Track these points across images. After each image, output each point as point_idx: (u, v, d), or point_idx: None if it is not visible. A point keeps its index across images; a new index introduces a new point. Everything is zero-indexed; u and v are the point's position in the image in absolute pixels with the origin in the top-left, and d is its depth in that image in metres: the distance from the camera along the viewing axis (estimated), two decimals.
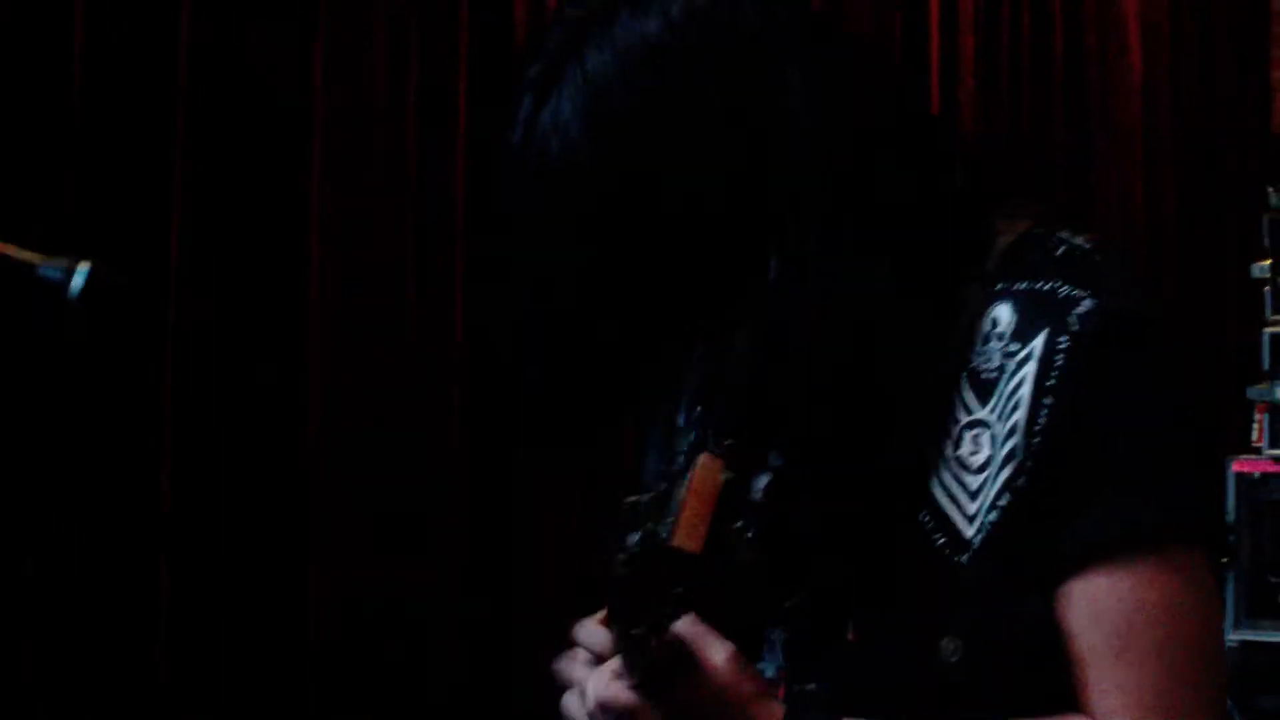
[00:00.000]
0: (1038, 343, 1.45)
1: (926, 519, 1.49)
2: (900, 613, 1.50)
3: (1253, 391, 4.45)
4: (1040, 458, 1.43)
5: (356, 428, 3.48)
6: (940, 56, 4.97)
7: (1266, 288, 4.49)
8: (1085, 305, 1.45)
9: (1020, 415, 1.44)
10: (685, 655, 1.38)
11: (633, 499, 1.37)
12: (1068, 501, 1.43)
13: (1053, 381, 1.44)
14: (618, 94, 1.43)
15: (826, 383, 1.46)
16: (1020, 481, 1.44)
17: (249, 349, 3.30)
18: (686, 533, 1.29)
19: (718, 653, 1.42)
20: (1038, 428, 1.44)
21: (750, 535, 1.44)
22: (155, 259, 3.14)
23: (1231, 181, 5.98)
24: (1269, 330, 4.46)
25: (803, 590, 1.53)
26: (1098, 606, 1.42)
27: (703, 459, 1.33)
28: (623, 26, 1.43)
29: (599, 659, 1.47)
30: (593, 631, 1.50)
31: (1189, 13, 6.05)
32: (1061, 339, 1.44)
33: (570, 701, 1.53)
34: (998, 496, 1.45)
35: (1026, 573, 1.44)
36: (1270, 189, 4.59)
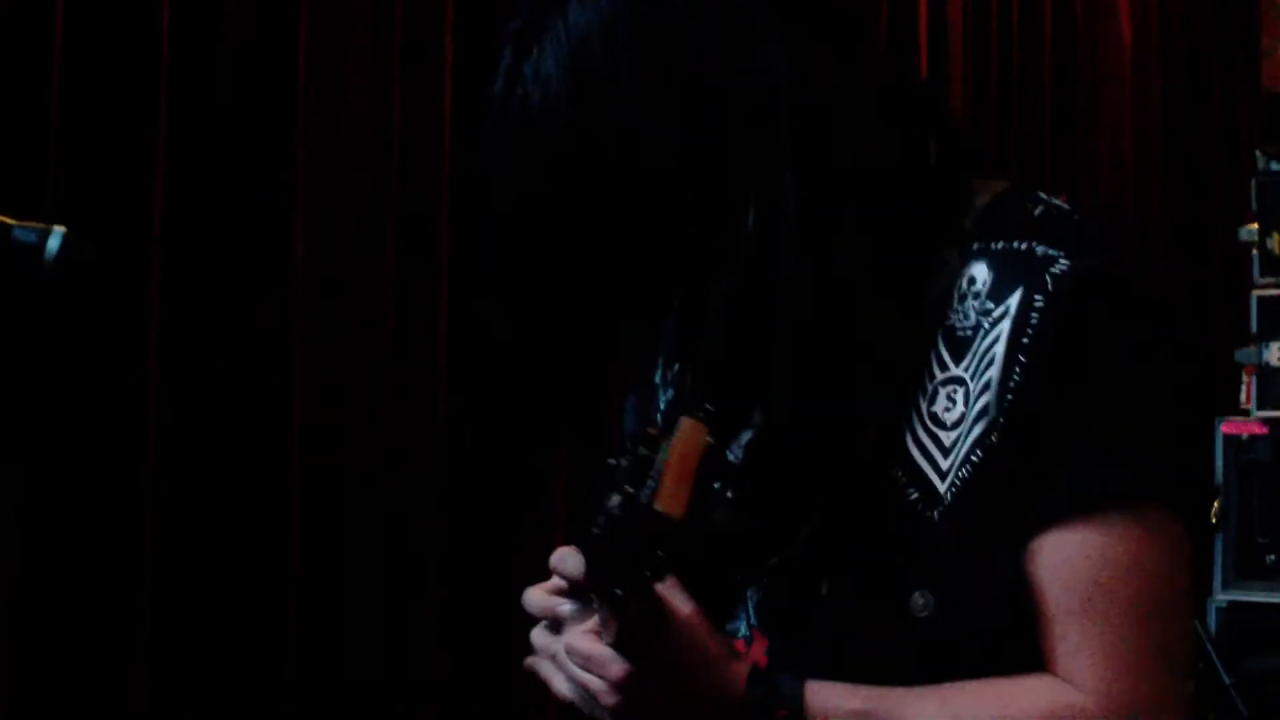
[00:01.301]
0: (1013, 301, 1.45)
1: (900, 474, 1.49)
2: (873, 568, 1.50)
3: (1241, 354, 4.46)
4: (1013, 415, 1.43)
5: (341, 421, 3.47)
6: (929, 27, 4.95)
7: (1254, 250, 4.49)
8: (1061, 265, 1.45)
9: (994, 373, 1.44)
10: (658, 613, 1.40)
11: (613, 461, 1.37)
12: (1040, 459, 1.43)
13: (1027, 340, 1.44)
14: (598, 49, 1.43)
15: (804, 337, 1.46)
16: (993, 438, 1.44)
17: (233, 342, 3.29)
18: (669, 497, 1.28)
19: (683, 607, 1.44)
20: (1011, 385, 1.43)
21: (730, 496, 1.45)
22: (137, 249, 3.12)
23: (1219, 145, 5.99)
24: (1257, 293, 4.47)
25: (781, 549, 1.54)
26: (1067, 564, 1.42)
27: (685, 423, 1.31)
28: None
29: (574, 587, 1.49)
30: (566, 558, 1.50)
31: None
32: (1037, 298, 1.44)
33: (539, 635, 1.55)
34: (970, 452, 1.45)
35: (997, 529, 1.44)
36: (1258, 152, 4.59)
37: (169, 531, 3.14)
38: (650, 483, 1.29)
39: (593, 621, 1.45)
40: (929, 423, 1.49)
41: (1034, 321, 1.44)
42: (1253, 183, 4.56)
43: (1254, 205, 4.55)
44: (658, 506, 1.28)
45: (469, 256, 3.40)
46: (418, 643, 3.57)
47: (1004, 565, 1.44)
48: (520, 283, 1.51)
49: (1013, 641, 1.45)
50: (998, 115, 5.20)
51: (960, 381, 1.47)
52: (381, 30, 3.55)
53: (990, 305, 1.47)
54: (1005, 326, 1.45)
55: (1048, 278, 1.44)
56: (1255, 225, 4.51)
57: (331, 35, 3.46)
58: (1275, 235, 4.49)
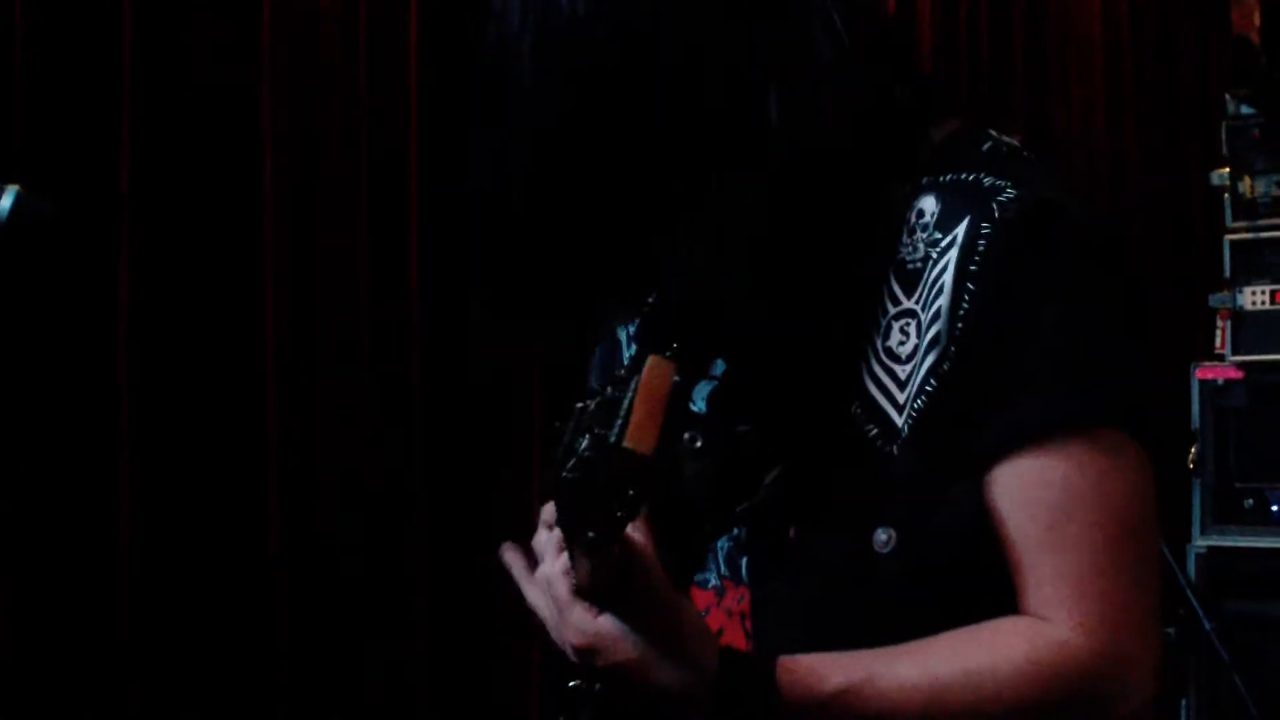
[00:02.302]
0: (960, 230, 1.46)
1: (859, 410, 1.49)
2: (837, 508, 1.50)
3: (1215, 299, 4.45)
4: (964, 343, 1.44)
5: (315, 404, 3.45)
6: None
7: (1226, 195, 4.48)
8: (1008, 194, 1.45)
9: (944, 301, 1.45)
10: (636, 564, 1.37)
11: (581, 405, 1.35)
12: (993, 387, 1.43)
13: (975, 267, 1.44)
14: None
15: (762, 276, 1.46)
16: (945, 367, 1.44)
17: (204, 332, 3.26)
18: (637, 435, 1.25)
19: (660, 572, 1.40)
20: (961, 313, 1.44)
21: (698, 446, 1.43)
22: (104, 210, 3.09)
23: (1190, 90, 5.97)
24: (1230, 237, 4.46)
25: (749, 496, 1.53)
26: (1027, 491, 1.42)
27: (651, 360, 1.29)
28: None
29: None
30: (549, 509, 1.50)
31: None
32: (984, 226, 1.44)
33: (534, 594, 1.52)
34: (924, 382, 1.45)
35: (955, 459, 1.44)
36: (1227, 96, 4.57)
37: (141, 507, 3.12)
38: (619, 422, 1.27)
39: (563, 560, 1.43)
40: (884, 358, 1.49)
41: (981, 248, 1.44)
42: (1223, 126, 4.54)
43: (1225, 150, 4.54)
44: (626, 444, 1.25)
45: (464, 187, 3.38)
46: (400, 629, 3.56)
47: (964, 497, 1.44)
48: (534, 198, 1.47)
49: (976, 572, 1.45)
50: (968, 60, 5.18)
51: (912, 314, 1.48)
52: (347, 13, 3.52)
53: (938, 235, 1.47)
54: (953, 255, 1.46)
55: (994, 206, 1.45)
56: (1226, 170, 4.50)
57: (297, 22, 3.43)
58: (1246, 179, 4.47)
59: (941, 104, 1.61)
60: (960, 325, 1.44)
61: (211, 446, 3.23)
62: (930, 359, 1.45)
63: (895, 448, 1.46)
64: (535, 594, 1.49)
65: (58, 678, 2.99)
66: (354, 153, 3.52)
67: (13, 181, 1.55)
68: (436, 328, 3.61)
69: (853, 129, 1.47)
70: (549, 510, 1.50)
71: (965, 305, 1.44)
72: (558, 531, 1.42)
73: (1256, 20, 6.55)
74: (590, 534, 1.28)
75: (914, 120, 1.56)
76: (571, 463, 1.27)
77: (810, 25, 1.46)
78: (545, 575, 1.47)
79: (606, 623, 1.40)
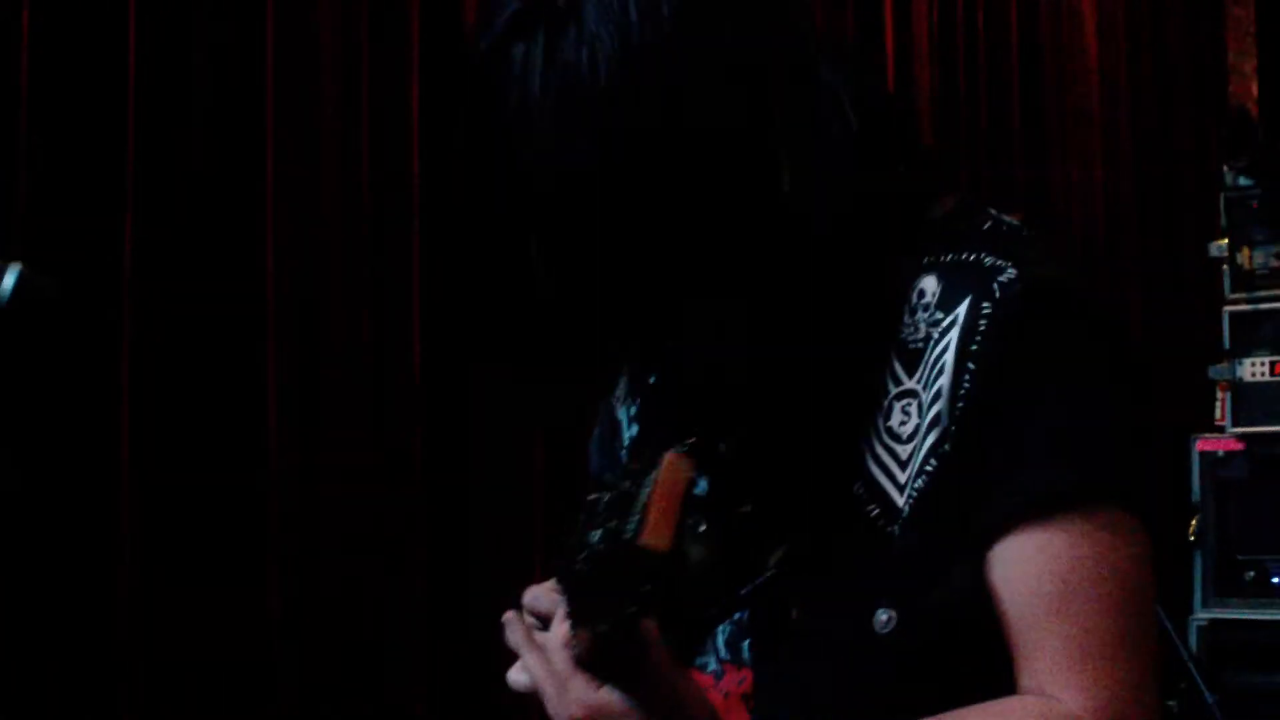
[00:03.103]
0: (961, 310, 1.46)
1: (861, 490, 1.49)
2: (839, 588, 1.49)
3: (1215, 370, 4.47)
4: (965, 423, 1.44)
5: (316, 454, 3.46)
6: (895, 59, 4.96)
7: (1225, 266, 4.50)
8: (1008, 274, 1.46)
9: (945, 381, 1.45)
10: (639, 643, 1.37)
11: (594, 496, 1.36)
12: (993, 466, 1.43)
13: (976, 347, 1.44)
14: (640, 14, 1.38)
15: (766, 355, 1.47)
16: (946, 447, 1.44)
17: (206, 369, 3.28)
18: (654, 531, 1.26)
19: (661, 651, 1.40)
20: (962, 392, 1.44)
21: (701, 530, 1.43)
22: (107, 272, 3.11)
23: (1188, 162, 6.00)
24: (1229, 308, 4.48)
25: (752, 576, 1.53)
26: (1028, 568, 1.41)
27: (669, 457, 1.31)
28: None
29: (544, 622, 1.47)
30: (539, 596, 1.49)
31: None
32: (985, 305, 1.45)
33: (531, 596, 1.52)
34: (924, 462, 1.45)
35: (956, 539, 1.44)
36: (1225, 167, 4.59)
37: (145, 567, 3.12)
38: (635, 517, 1.28)
39: (565, 632, 1.43)
40: (886, 438, 1.49)
41: (982, 328, 1.44)
42: (1221, 198, 4.56)
43: (1223, 221, 4.56)
44: (643, 540, 1.26)
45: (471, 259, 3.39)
46: (400, 668, 3.56)
47: (964, 576, 1.44)
48: (548, 260, 1.47)
49: (975, 652, 1.44)
50: (966, 141, 5.20)
51: (914, 394, 1.48)
52: (350, 60, 3.54)
53: (939, 315, 1.48)
54: (954, 334, 1.46)
55: (995, 286, 1.46)
56: (1225, 241, 4.52)
57: (300, 61, 3.45)
58: (1245, 250, 4.50)
59: (940, 181, 1.62)
60: (961, 405, 1.44)
61: (212, 480, 3.24)
62: (931, 439, 1.45)
63: (897, 528, 1.46)
64: (534, 661, 1.49)
65: (57, 709, 3.00)
66: (357, 206, 3.54)
67: (15, 259, 1.55)
68: (437, 382, 3.62)
69: (858, 208, 1.48)
70: (531, 595, 1.50)
71: (966, 385, 1.44)
72: (561, 603, 1.42)
73: (1254, 91, 6.60)
74: (603, 627, 1.29)
75: (914, 199, 1.57)
76: (584, 555, 1.29)
77: (821, 103, 1.47)
78: (544, 643, 1.47)
79: (608, 695, 1.40)
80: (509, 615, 1.53)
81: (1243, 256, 4.50)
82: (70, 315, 2.63)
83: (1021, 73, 5.47)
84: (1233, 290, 4.49)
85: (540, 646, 1.47)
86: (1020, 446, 1.42)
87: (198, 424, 3.25)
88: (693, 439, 1.35)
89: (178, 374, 3.21)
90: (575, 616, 1.32)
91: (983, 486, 1.43)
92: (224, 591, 3.26)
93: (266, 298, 3.36)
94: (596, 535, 1.29)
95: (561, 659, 1.42)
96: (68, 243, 3.00)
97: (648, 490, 1.29)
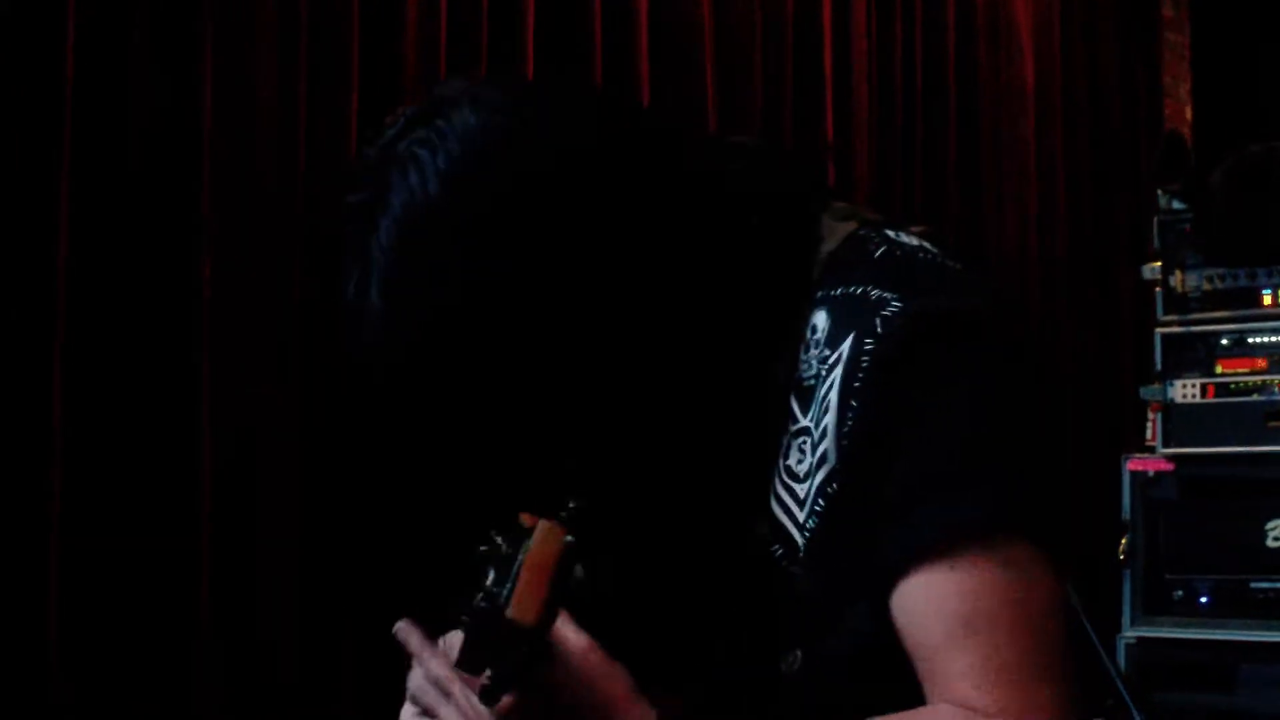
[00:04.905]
0: (845, 346, 1.45)
1: (764, 530, 1.49)
2: (751, 631, 1.49)
3: (1146, 391, 4.51)
4: (850, 461, 1.43)
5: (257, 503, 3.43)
6: (833, 74, 4.98)
7: (1157, 289, 4.54)
8: (893, 307, 1.44)
9: (830, 419, 1.44)
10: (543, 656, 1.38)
11: (484, 549, 1.37)
12: (885, 503, 1.41)
13: (858, 384, 1.43)
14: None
15: (662, 413, 1.48)
16: (832, 487, 1.44)
17: (139, 377, 3.25)
18: (521, 605, 1.29)
19: (575, 639, 1.41)
20: (845, 430, 1.43)
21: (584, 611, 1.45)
22: (41, 291, 3.09)
23: (1123, 183, 6.06)
24: (1161, 330, 4.51)
25: (668, 625, 1.55)
26: (932, 604, 1.40)
27: (542, 525, 1.33)
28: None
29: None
30: (409, 636, 1.51)
31: (1079, 21, 6.13)
32: (867, 341, 1.43)
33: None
34: (813, 501, 1.45)
35: (854, 576, 1.43)
36: (1159, 190, 4.64)
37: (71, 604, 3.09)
38: (508, 585, 1.31)
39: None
40: (785, 476, 1.49)
41: (865, 364, 1.43)
42: (1154, 221, 4.61)
43: (1156, 243, 4.60)
44: (510, 614, 1.30)
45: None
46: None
47: (866, 615, 1.43)
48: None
49: (877, 689, 1.43)
50: (901, 155, 5.24)
51: (807, 432, 1.47)
52: (285, 61, 3.53)
53: (828, 352, 1.47)
54: (839, 372, 1.45)
55: (877, 321, 1.44)
56: (1158, 264, 4.56)
57: (237, 75, 3.44)
58: (1178, 273, 4.54)
59: (835, 209, 1.59)
60: (845, 443, 1.43)
61: (145, 542, 3.21)
62: (819, 478, 1.44)
63: (797, 568, 1.46)
64: (435, 665, 1.50)
65: None
66: (291, 252, 3.52)
67: None
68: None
69: (739, 253, 1.50)
70: (408, 637, 1.52)
71: (850, 423, 1.42)
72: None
73: (1188, 115, 6.67)
74: (486, 677, 1.34)
75: (804, 235, 1.56)
76: (466, 618, 1.33)
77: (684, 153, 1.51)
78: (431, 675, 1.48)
79: (507, 700, 1.38)
80: (404, 623, 1.54)
81: (1175, 280, 4.54)
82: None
83: (957, 97, 5.50)
84: (1165, 312, 4.53)
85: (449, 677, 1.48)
86: (911, 482, 1.41)
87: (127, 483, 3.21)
88: (572, 505, 1.35)
89: (110, 406, 3.18)
90: (465, 664, 1.36)
91: (880, 525, 1.41)
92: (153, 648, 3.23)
93: (202, 331, 3.34)
94: (479, 596, 1.32)
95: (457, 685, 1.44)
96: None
97: (520, 560, 1.32)
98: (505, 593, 1.30)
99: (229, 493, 3.35)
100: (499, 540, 1.34)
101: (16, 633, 3.03)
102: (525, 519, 1.35)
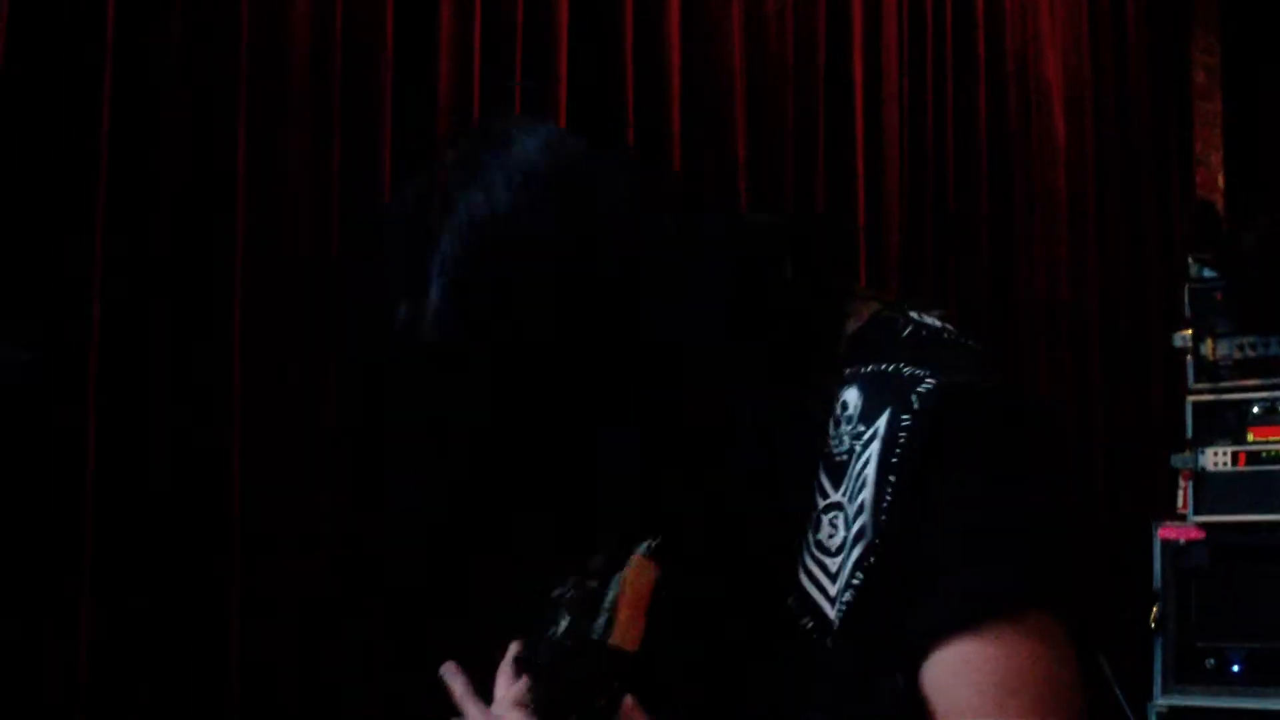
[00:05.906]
0: (881, 422, 1.48)
1: (794, 603, 1.50)
2: (777, 701, 1.51)
3: (1177, 459, 4.50)
4: (889, 535, 1.45)
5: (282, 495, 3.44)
6: (865, 150, 4.99)
7: (1189, 356, 4.54)
8: (927, 384, 1.47)
9: (867, 494, 1.46)
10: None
11: (557, 593, 1.38)
12: (918, 578, 1.44)
13: (896, 459, 1.46)
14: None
15: (702, 483, 1.50)
16: (871, 560, 1.46)
17: (172, 430, 3.27)
18: (624, 632, 1.32)
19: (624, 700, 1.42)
20: (884, 505, 1.45)
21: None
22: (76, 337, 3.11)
23: (1154, 252, 6.05)
24: (1192, 398, 4.51)
25: (688, 694, 1.55)
26: (959, 678, 1.43)
27: (637, 559, 1.35)
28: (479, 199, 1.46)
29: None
30: (455, 680, 1.52)
31: (1112, 86, 6.14)
32: (904, 417, 1.46)
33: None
34: (851, 575, 1.46)
35: (886, 648, 1.45)
36: (1190, 258, 4.64)
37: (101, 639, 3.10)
38: (603, 618, 1.33)
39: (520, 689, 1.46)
40: (816, 551, 1.50)
41: (902, 440, 1.46)
42: (1185, 289, 4.61)
43: (1187, 311, 4.60)
44: (613, 641, 1.32)
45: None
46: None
47: (896, 685, 1.45)
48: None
49: None
50: (933, 222, 5.24)
51: (840, 507, 1.49)
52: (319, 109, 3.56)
53: (861, 428, 1.49)
54: (875, 448, 1.47)
55: (913, 397, 1.47)
56: (1189, 331, 4.56)
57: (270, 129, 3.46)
58: (1209, 341, 4.54)
59: (858, 290, 1.64)
60: (884, 519, 1.45)
61: (176, 565, 3.22)
62: (856, 552, 1.46)
63: (830, 641, 1.47)
64: (476, 714, 1.51)
65: None
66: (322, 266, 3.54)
67: None
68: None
69: (772, 329, 1.53)
70: (454, 679, 1.53)
71: (888, 499, 1.45)
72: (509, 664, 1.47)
73: (1220, 184, 6.67)
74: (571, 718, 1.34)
75: (830, 313, 1.59)
76: (552, 652, 1.34)
77: (692, 249, 1.52)
78: (501, 699, 1.49)
79: None
80: (450, 666, 1.56)
81: (1206, 347, 4.54)
82: (43, 387, 2.65)
83: (990, 166, 5.51)
84: (1196, 380, 4.54)
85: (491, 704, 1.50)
86: (942, 557, 1.43)
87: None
88: (657, 539, 1.37)
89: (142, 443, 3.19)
90: (541, 708, 1.36)
91: (910, 599, 1.44)
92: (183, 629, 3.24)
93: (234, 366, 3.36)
94: (563, 631, 1.32)
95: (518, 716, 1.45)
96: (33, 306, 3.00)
97: (615, 590, 1.33)
98: (602, 622, 1.32)
99: (259, 515, 3.36)
100: (585, 580, 1.35)
101: (48, 653, 3.05)
102: (595, 562, 1.36)
